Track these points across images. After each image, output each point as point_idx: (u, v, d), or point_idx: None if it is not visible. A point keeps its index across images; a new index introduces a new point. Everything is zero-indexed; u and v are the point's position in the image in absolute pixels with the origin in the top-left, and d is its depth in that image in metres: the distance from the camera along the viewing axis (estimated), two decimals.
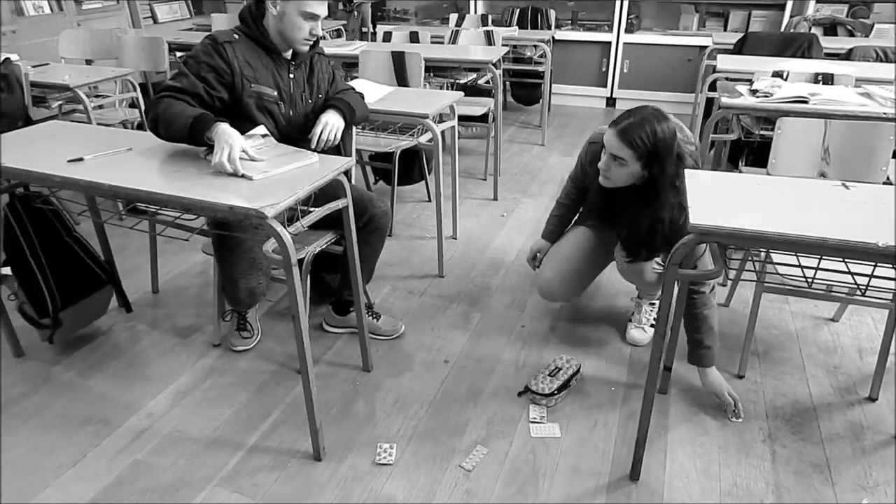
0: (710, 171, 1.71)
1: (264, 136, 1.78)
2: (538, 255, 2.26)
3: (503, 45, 4.03)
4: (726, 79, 2.91)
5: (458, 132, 3.28)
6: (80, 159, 1.69)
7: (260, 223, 1.41)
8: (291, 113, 1.96)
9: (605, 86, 5.33)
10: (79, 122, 2.97)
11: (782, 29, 4.55)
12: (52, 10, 4.62)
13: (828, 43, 3.73)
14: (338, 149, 2.04)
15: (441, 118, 2.68)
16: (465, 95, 3.29)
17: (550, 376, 1.97)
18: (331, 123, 1.92)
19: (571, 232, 2.22)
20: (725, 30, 5.01)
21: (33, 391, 2.01)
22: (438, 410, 1.92)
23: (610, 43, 5.15)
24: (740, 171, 2.78)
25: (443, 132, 2.56)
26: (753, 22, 4.88)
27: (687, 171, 1.63)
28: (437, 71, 3.96)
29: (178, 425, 1.86)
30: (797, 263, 1.51)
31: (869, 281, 1.42)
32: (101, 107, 3.40)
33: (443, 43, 4.15)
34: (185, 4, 5.84)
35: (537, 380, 1.96)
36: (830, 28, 4.34)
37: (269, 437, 1.82)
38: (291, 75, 1.95)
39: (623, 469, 1.70)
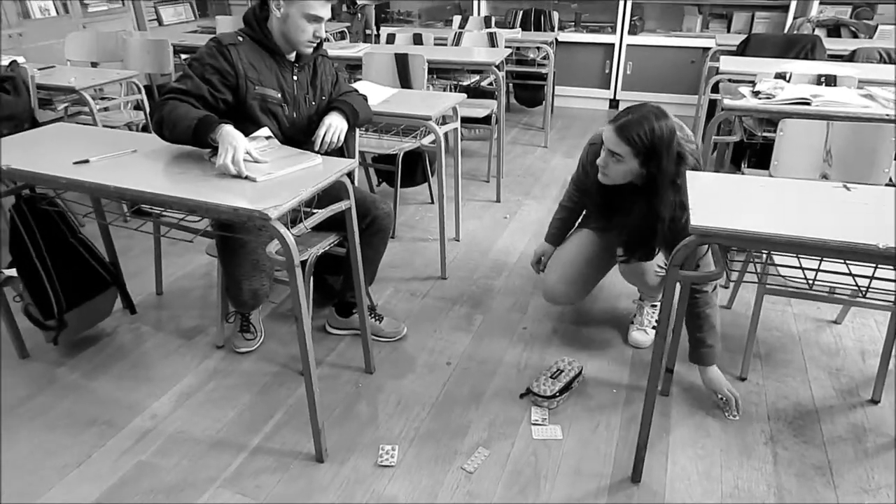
0: (711, 173, 1.71)
1: (268, 137, 1.79)
2: (542, 258, 2.26)
3: (506, 47, 4.04)
4: (729, 80, 2.90)
5: (461, 134, 3.29)
6: (86, 161, 1.70)
7: (263, 225, 1.42)
8: (295, 115, 1.97)
9: (609, 87, 5.33)
10: (84, 124, 2.98)
11: (786, 30, 4.54)
12: (58, 12, 4.64)
13: (831, 44, 3.73)
14: (341, 151, 2.05)
15: (444, 120, 2.69)
16: (468, 97, 3.30)
17: (552, 378, 1.97)
18: (334, 125, 1.93)
19: (575, 235, 2.22)
20: (729, 31, 5.01)
21: (38, 392, 2.02)
22: (440, 412, 1.93)
23: (613, 45, 5.15)
24: (743, 173, 2.78)
25: (446, 134, 2.56)
26: (757, 23, 4.88)
27: (689, 173, 1.63)
28: (441, 73, 3.97)
29: (181, 426, 1.87)
30: (798, 265, 1.51)
31: (870, 282, 1.42)
32: (106, 109, 3.42)
33: (446, 45, 4.16)
34: (189, 7, 5.87)
35: (539, 382, 1.96)
36: (834, 29, 4.33)
37: (272, 439, 1.83)
38: (295, 77, 1.96)
39: (625, 471, 1.70)
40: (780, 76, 2.70)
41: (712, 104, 3.53)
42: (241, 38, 1.86)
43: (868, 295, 1.48)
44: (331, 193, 1.67)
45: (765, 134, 2.63)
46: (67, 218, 2.13)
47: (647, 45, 5.10)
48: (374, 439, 1.82)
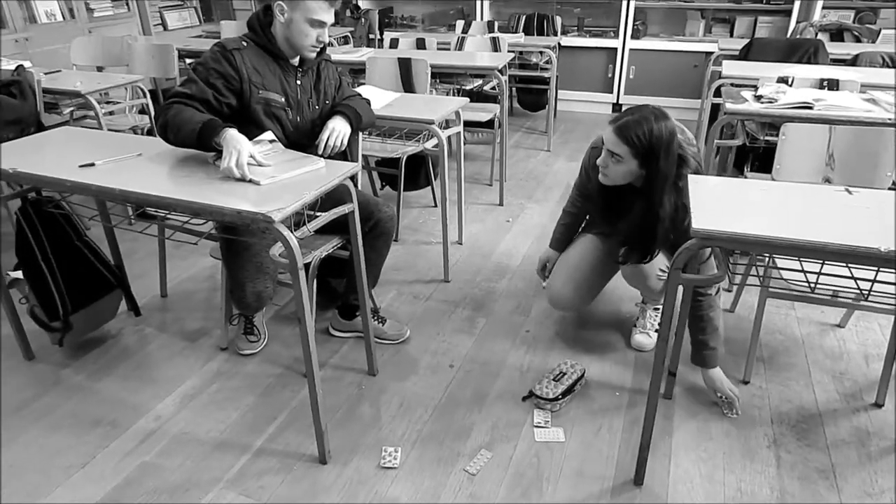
0: (714, 177, 1.72)
1: (272, 141, 1.80)
2: (547, 265, 2.27)
3: (509, 52, 4.05)
4: (732, 84, 2.91)
5: (464, 138, 3.29)
6: (92, 164, 1.72)
7: (267, 227, 1.43)
8: (298, 119, 1.99)
9: (612, 92, 5.34)
10: (90, 127, 3.00)
11: (788, 35, 4.54)
12: (64, 17, 4.68)
13: (834, 49, 3.73)
14: (344, 154, 2.06)
15: (447, 124, 2.70)
16: (471, 101, 3.32)
17: (555, 381, 1.98)
18: (337, 129, 1.94)
19: (579, 241, 2.22)
20: (731, 36, 5.01)
21: (43, 393, 2.03)
22: (443, 414, 1.93)
23: (616, 49, 5.16)
24: (745, 177, 2.78)
25: (449, 138, 2.58)
26: (760, 28, 4.88)
27: (691, 177, 1.64)
28: (444, 77, 3.99)
29: (185, 427, 1.88)
30: (800, 268, 1.51)
31: (871, 286, 1.42)
32: (111, 113, 3.44)
33: (449, 49, 4.18)
34: (194, 12, 5.91)
35: (542, 384, 1.97)
36: (837, 34, 4.33)
37: (275, 440, 1.83)
38: (299, 82, 1.97)
39: (627, 473, 1.70)
40: (783, 80, 2.71)
41: (715, 108, 3.53)
42: (245, 43, 1.88)
43: (871, 298, 1.49)
44: (334, 197, 1.68)
45: (767, 138, 2.64)
46: (73, 221, 2.15)
47: (649, 50, 5.11)
48: (376, 441, 1.82)
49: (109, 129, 2.99)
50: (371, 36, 5.49)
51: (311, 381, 1.63)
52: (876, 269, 1.36)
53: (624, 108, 5.41)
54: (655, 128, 1.68)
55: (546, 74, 4.58)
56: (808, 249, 1.28)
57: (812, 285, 1.50)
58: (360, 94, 2.17)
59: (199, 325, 2.40)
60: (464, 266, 2.83)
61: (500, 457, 1.76)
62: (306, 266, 1.88)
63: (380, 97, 2.60)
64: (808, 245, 1.27)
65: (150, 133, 3.43)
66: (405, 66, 3.20)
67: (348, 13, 5.50)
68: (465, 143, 3.96)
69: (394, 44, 4.17)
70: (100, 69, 3.88)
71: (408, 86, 3.21)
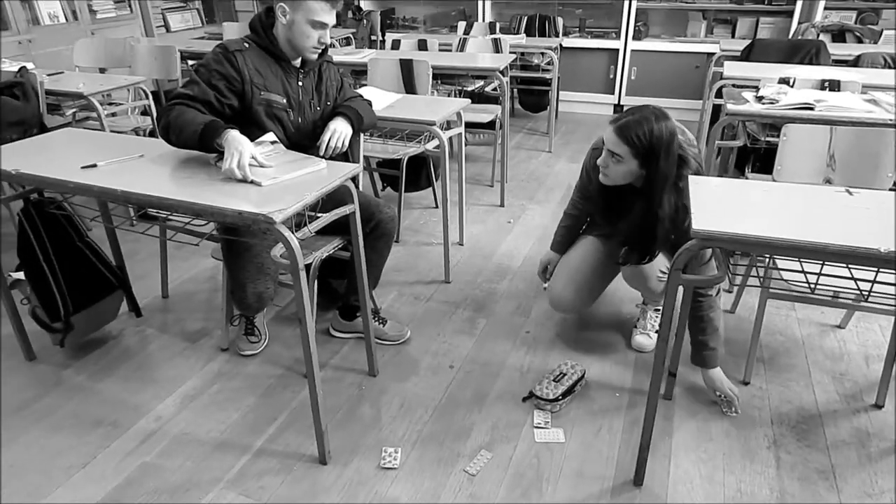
0: (715, 178, 1.72)
1: (273, 142, 1.81)
2: (549, 267, 2.27)
3: (511, 53, 4.06)
4: (733, 85, 2.91)
5: (466, 139, 3.30)
6: (94, 166, 1.73)
7: (268, 228, 1.44)
8: (300, 120, 1.99)
9: (613, 93, 5.34)
10: (92, 129, 3.01)
11: (790, 36, 4.54)
12: (67, 19, 4.70)
13: (835, 49, 3.73)
14: (346, 155, 2.06)
15: (448, 125, 2.70)
16: (473, 102, 3.33)
17: (555, 382, 1.98)
18: (339, 131, 1.95)
19: (580, 243, 2.22)
20: (733, 37, 5.01)
21: (45, 394, 2.04)
22: (443, 415, 1.93)
23: (617, 50, 5.16)
24: (746, 178, 2.78)
25: (450, 139, 2.58)
26: (761, 29, 4.88)
27: (691, 178, 1.64)
28: (445, 78, 3.99)
29: (185, 428, 1.89)
30: (800, 269, 1.51)
31: (871, 286, 1.42)
32: (114, 114, 3.45)
33: (451, 50, 4.18)
34: (197, 14, 5.93)
35: (542, 385, 1.97)
36: (839, 35, 4.33)
37: (276, 441, 1.84)
38: (300, 83, 1.98)
39: (627, 474, 1.70)
40: (784, 81, 2.71)
41: (716, 109, 3.53)
42: (247, 45, 1.89)
43: (871, 299, 1.48)
44: (335, 197, 1.68)
45: (768, 139, 2.64)
46: (75, 222, 2.15)
47: (651, 51, 5.11)
48: (376, 441, 1.83)
49: (112, 131, 3.00)
50: (373, 37, 5.50)
51: (311, 382, 1.64)
52: (876, 269, 1.36)
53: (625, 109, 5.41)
54: (656, 128, 1.69)
55: (547, 76, 4.59)
56: (809, 250, 1.28)
57: (812, 286, 1.50)
58: (361, 96, 2.18)
59: (199, 325, 2.41)
60: (465, 267, 2.83)
61: (500, 457, 1.77)
62: (307, 267, 1.89)
63: (381, 98, 2.60)
64: (808, 246, 1.27)
65: (152, 134, 3.44)
66: (407, 67, 3.20)
67: (350, 14, 5.52)
68: (466, 145, 3.96)
69: (395, 45, 4.18)
70: (102, 71, 3.89)
71: (409, 87, 3.22)
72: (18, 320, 2.16)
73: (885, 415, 1.91)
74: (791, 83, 2.68)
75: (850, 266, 1.48)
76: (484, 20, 5.37)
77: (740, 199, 1.52)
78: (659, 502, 1.62)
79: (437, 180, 3.42)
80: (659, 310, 2.29)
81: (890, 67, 3.47)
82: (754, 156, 2.86)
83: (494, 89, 4.11)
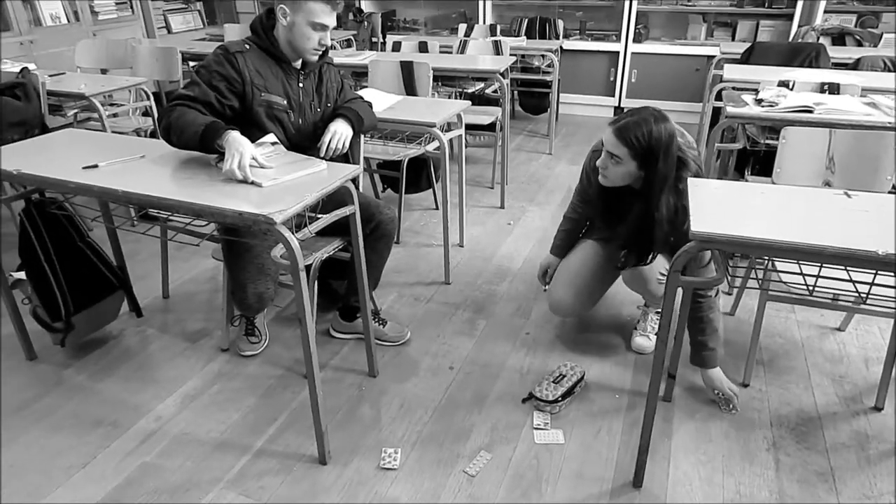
0: (714, 180, 1.72)
1: (274, 143, 1.82)
2: (549, 271, 2.27)
3: (511, 55, 4.06)
4: (733, 88, 2.92)
5: (466, 141, 3.31)
6: (95, 166, 1.73)
7: (268, 229, 1.44)
8: (301, 121, 2.00)
9: (613, 95, 5.35)
10: (93, 130, 3.02)
11: (790, 39, 4.55)
12: (69, 20, 4.71)
13: (835, 53, 3.73)
14: (346, 157, 2.07)
15: (449, 127, 2.71)
16: (473, 104, 3.33)
17: (555, 383, 1.98)
18: (339, 132, 1.95)
19: (580, 247, 2.22)
20: (733, 40, 5.02)
21: (45, 393, 2.04)
22: (443, 416, 1.94)
23: (618, 52, 5.17)
24: (746, 180, 2.78)
25: (450, 141, 2.59)
26: (761, 32, 4.89)
27: (691, 180, 1.64)
28: (446, 80, 4.00)
29: (186, 428, 1.89)
30: (799, 271, 1.51)
31: (869, 289, 1.43)
32: (115, 115, 3.46)
33: (451, 53, 4.19)
34: (198, 15, 5.94)
35: (542, 386, 1.97)
36: (839, 38, 4.34)
37: (276, 441, 1.84)
38: (301, 84, 1.99)
39: (626, 475, 1.71)
40: (784, 84, 2.71)
41: (716, 112, 3.53)
42: (247, 46, 1.89)
43: (870, 302, 1.49)
44: (335, 199, 1.69)
45: (768, 141, 2.64)
46: (76, 222, 2.16)
47: (651, 53, 5.12)
48: (376, 442, 1.83)
49: (113, 132, 3.00)
50: (374, 39, 5.51)
51: (311, 383, 1.64)
52: (874, 272, 1.36)
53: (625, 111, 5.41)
54: (655, 129, 1.69)
55: (548, 78, 4.59)
56: (808, 252, 1.29)
57: (811, 288, 1.50)
58: (361, 97, 2.18)
59: (200, 326, 2.41)
60: (464, 268, 2.84)
61: (499, 458, 1.77)
62: (307, 268, 1.90)
63: (382, 100, 2.61)
64: (807, 248, 1.28)
65: (153, 135, 3.45)
66: (407, 69, 3.21)
67: (351, 16, 5.53)
68: (466, 146, 3.97)
69: (396, 47, 4.18)
70: (104, 72, 3.89)
71: (410, 89, 3.23)
72: (19, 320, 2.16)
73: (884, 417, 1.91)
74: (791, 86, 2.69)
75: (848, 268, 1.48)
76: (484, 22, 5.38)
77: (740, 201, 1.52)
78: (658, 503, 1.63)
79: (437, 182, 3.42)
80: (660, 312, 2.29)
81: (890, 71, 3.47)
82: (754, 158, 2.86)
83: (495, 91, 4.12)
